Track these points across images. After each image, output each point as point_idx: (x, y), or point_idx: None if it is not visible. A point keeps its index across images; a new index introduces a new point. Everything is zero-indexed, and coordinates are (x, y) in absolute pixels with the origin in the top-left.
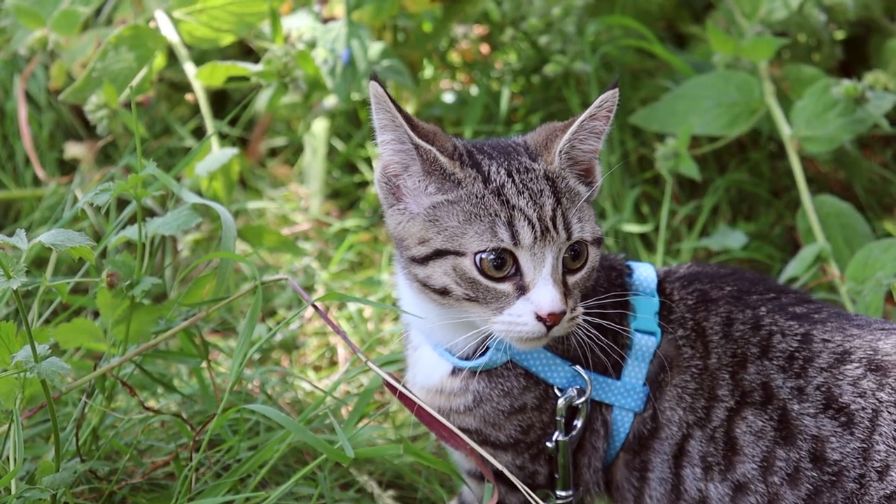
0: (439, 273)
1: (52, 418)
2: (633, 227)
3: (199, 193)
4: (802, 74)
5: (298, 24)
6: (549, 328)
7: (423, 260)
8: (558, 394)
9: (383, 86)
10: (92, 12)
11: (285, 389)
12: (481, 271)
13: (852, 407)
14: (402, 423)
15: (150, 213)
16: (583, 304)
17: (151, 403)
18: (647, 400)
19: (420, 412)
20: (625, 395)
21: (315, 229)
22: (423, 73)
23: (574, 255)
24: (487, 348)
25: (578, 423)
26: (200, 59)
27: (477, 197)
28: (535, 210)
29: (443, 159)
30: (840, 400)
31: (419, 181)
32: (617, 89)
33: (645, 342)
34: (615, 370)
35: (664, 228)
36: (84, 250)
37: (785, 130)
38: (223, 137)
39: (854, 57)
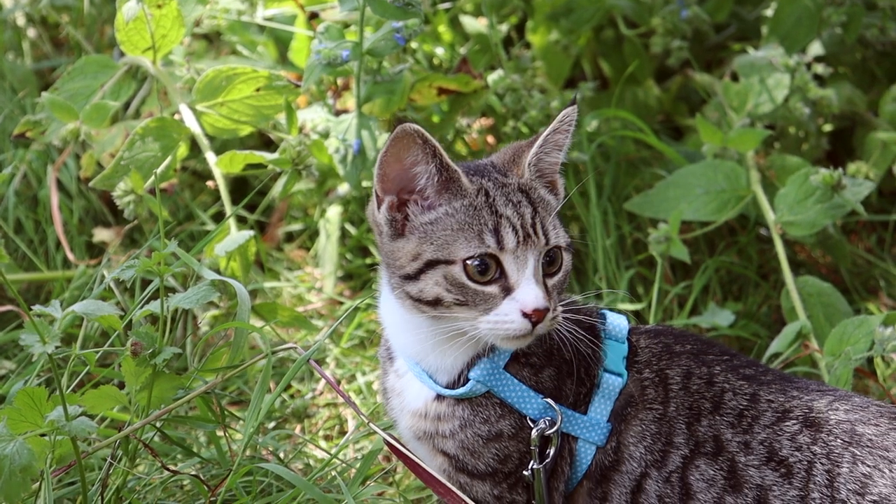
0: (431, 284)
1: (81, 474)
2: (628, 306)
3: (218, 272)
4: (787, 163)
5: (313, 117)
6: (534, 325)
7: (416, 274)
8: (531, 424)
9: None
10: (121, 106)
11: (296, 456)
12: (469, 276)
13: (790, 459)
14: (407, 488)
15: (172, 292)
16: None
17: (172, 467)
18: (609, 435)
19: (418, 470)
20: (590, 429)
21: (327, 307)
22: None
23: (550, 261)
24: (468, 379)
25: (551, 451)
26: (222, 148)
27: (475, 207)
28: (518, 218)
29: (464, 177)
30: (780, 453)
31: (430, 201)
32: (576, 106)
33: (612, 382)
34: (583, 405)
35: (656, 307)
36: (112, 319)
37: (770, 215)
38: (243, 222)
39: (841, 148)
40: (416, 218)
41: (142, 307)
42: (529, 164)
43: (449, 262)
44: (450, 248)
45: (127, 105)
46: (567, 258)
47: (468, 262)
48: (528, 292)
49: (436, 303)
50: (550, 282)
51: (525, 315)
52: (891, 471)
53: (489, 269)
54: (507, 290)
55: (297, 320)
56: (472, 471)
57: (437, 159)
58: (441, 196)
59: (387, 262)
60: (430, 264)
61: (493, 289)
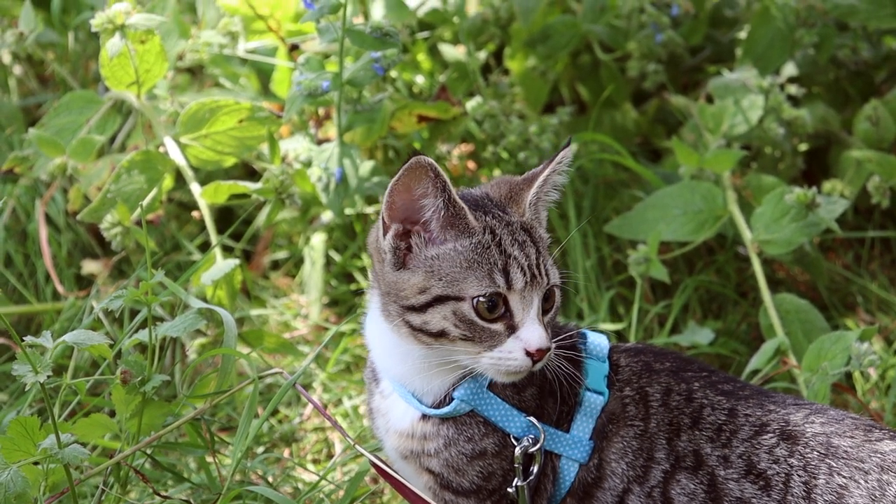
0: (438, 318)
1: (74, 501)
2: (609, 326)
3: (205, 301)
4: (762, 183)
5: (295, 147)
6: (534, 362)
7: (423, 307)
8: (514, 443)
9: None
10: (106, 140)
11: (285, 480)
12: (478, 313)
13: (769, 472)
14: None
15: (160, 321)
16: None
17: (163, 493)
18: (591, 452)
19: (404, 489)
20: (572, 446)
21: (314, 333)
22: None
23: (545, 297)
24: (453, 398)
25: (535, 469)
26: (207, 179)
27: (483, 246)
28: (525, 259)
29: (470, 215)
30: (758, 466)
31: (435, 234)
32: (571, 146)
33: (594, 400)
34: (565, 423)
35: (637, 326)
36: (102, 348)
37: (747, 235)
38: (229, 251)
39: (817, 167)
40: (420, 251)
41: (131, 336)
42: (530, 203)
43: (458, 299)
44: (460, 285)
45: (112, 139)
46: (559, 294)
47: (478, 299)
48: (532, 332)
49: (440, 335)
50: (545, 318)
51: (528, 354)
52: (866, 482)
53: (497, 308)
54: (512, 329)
55: (283, 346)
56: (456, 488)
57: (445, 194)
58: (446, 231)
59: (387, 290)
60: (439, 300)
61: (498, 326)
